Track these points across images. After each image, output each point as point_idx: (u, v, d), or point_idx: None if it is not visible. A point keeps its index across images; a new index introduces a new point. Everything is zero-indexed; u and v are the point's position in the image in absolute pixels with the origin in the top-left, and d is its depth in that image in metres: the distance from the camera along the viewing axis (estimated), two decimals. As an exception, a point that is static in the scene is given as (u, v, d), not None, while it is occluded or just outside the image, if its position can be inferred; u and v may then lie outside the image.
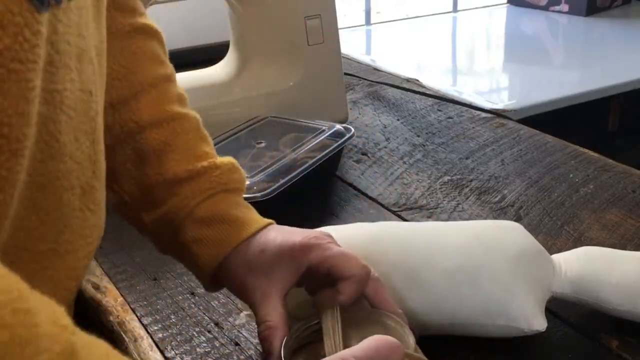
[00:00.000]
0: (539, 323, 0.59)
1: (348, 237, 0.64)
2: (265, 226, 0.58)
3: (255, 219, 0.59)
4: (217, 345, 0.64)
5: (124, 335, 0.67)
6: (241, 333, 0.66)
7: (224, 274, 0.57)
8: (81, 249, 0.46)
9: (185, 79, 1.11)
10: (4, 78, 0.34)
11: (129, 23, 0.59)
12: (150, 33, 0.61)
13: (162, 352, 0.64)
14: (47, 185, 0.40)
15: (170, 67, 0.62)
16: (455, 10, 2.12)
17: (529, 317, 0.59)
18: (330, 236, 0.57)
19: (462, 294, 0.59)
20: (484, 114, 1.17)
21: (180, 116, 0.60)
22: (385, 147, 1.05)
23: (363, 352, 0.44)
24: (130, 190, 0.59)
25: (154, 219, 0.59)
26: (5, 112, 0.35)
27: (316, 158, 0.87)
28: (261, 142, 0.92)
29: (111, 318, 0.69)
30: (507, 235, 0.63)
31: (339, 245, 0.56)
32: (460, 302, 0.60)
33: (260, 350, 0.63)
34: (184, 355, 0.64)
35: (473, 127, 1.12)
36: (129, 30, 0.59)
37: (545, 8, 2.03)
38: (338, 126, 0.95)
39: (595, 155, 0.99)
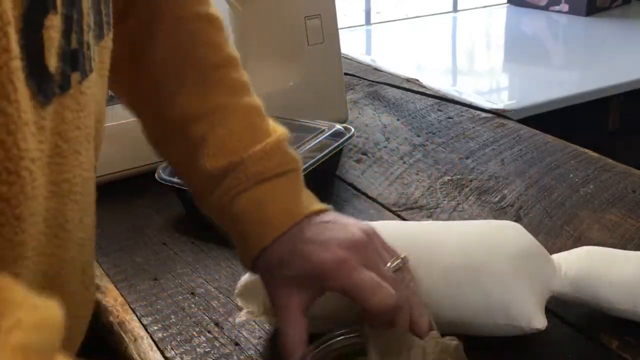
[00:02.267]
0: (539, 322, 0.59)
1: None
2: (302, 220, 0.54)
3: (293, 209, 0.55)
4: (217, 345, 0.64)
5: (124, 335, 0.67)
6: (241, 333, 0.66)
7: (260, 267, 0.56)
8: (75, 327, 0.43)
9: (185, 79, 1.11)
10: None
11: (195, 11, 0.58)
12: (212, 20, 0.59)
13: (162, 352, 0.64)
14: (52, 274, 0.38)
15: (228, 52, 0.59)
16: (455, 10, 2.12)
17: (529, 316, 0.59)
18: (372, 242, 0.53)
19: (462, 291, 0.60)
20: (484, 114, 1.17)
21: (223, 107, 0.57)
22: (385, 147, 1.05)
23: None
24: (195, 180, 0.58)
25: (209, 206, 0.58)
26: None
27: (316, 158, 0.87)
28: (261, 142, 0.92)
29: (111, 318, 0.69)
30: (508, 235, 0.63)
31: (371, 264, 0.52)
32: (460, 299, 0.60)
33: (261, 350, 0.63)
34: (184, 355, 0.64)
35: (473, 127, 1.12)
36: (191, 16, 0.57)
37: (545, 8, 2.03)
38: (338, 126, 0.95)
39: (595, 155, 0.99)
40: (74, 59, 0.36)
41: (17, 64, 0.31)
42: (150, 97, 0.58)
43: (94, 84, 0.41)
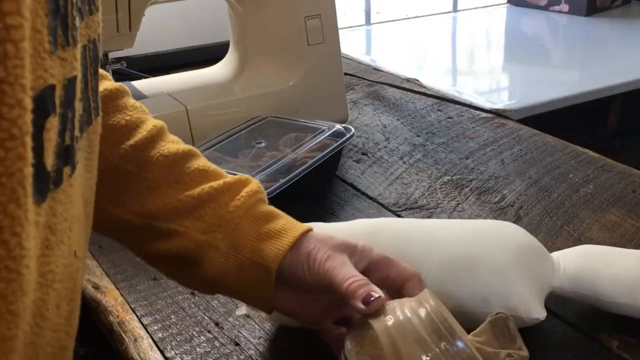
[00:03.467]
0: (538, 312, 0.59)
1: (348, 231, 0.64)
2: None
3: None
4: (217, 345, 0.64)
5: (124, 335, 0.67)
6: (241, 333, 0.66)
7: (289, 268, 0.55)
8: None
9: (185, 79, 1.11)
10: None
11: (105, 86, 0.60)
12: (125, 91, 0.61)
13: (162, 352, 0.64)
14: None
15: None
16: (455, 10, 2.12)
17: (528, 306, 0.59)
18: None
19: (461, 282, 0.60)
20: (484, 114, 1.17)
21: (195, 151, 0.61)
22: (385, 147, 1.05)
23: None
24: (164, 210, 0.57)
25: (203, 228, 0.56)
26: None
27: (316, 158, 0.87)
28: (261, 142, 0.92)
29: (111, 318, 0.69)
30: (507, 232, 0.64)
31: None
32: (459, 289, 0.60)
33: (261, 350, 0.63)
34: (184, 355, 0.64)
35: (473, 127, 1.12)
36: (109, 91, 0.60)
37: (545, 8, 2.03)
38: (338, 126, 0.95)
39: (595, 155, 0.99)
40: (66, 155, 0.37)
41: (30, 170, 0.32)
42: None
43: (81, 174, 0.42)
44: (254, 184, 0.59)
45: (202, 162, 0.60)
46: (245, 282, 0.56)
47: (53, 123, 0.35)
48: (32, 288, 0.35)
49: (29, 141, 0.32)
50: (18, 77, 0.30)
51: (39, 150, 0.33)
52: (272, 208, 0.59)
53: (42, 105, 0.33)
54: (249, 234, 0.56)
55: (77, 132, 0.39)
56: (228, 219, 0.56)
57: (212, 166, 0.60)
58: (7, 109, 0.30)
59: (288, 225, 0.57)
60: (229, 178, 0.59)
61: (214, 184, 0.58)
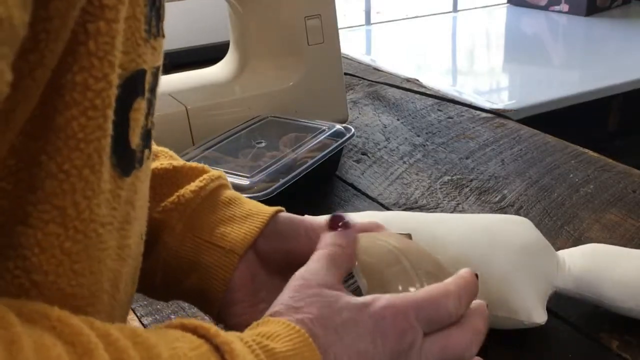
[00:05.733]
0: (538, 316, 0.59)
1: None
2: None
3: None
4: (217, 345, 0.64)
5: (124, 335, 0.67)
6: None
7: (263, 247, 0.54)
8: None
9: (185, 79, 1.11)
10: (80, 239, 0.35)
11: None
12: None
13: (162, 352, 0.64)
14: None
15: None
16: (455, 10, 2.12)
17: (528, 310, 0.59)
18: None
19: None
20: (484, 114, 1.17)
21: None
22: (385, 147, 1.05)
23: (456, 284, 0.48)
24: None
25: (157, 206, 0.54)
26: (81, 273, 0.35)
27: (316, 158, 0.87)
28: (261, 142, 0.92)
29: (111, 318, 0.70)
30: (513, 228, 0.63)
31: None
32: None
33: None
34: (184, 355, 0.63)
35: (473, 127, 1.12)
36: None
37: (545, 8, 2.04)
38: (338, 126, 0.95)
39: (595, 155, 0.99)
40: (147, 137, 0.40)
41: (107, 141, 0.34)
42: None
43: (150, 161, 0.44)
44: (214, 172, 0.57)
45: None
46: (199, 268, 0.53)
47: (141, 105, 0.37)
48: (110, 257, 0.38)
49: (110, 114, 0.34)
50: (107, 53, 0.33)
51: (124, 126, 0.36)
52: (237, 194, 0.56)
53: (132, 86, 0.36)
54: (211, 218, 0.54)
55: (153, 118, 0.41)
56: (187, 198, 0.54)
57: (160, 148, 0.59)
58: (93, 80, 0.33)
59: (255, 209, 0.55)
60: (181, 162, 0.57)
61: (165, 163, 0.56)
